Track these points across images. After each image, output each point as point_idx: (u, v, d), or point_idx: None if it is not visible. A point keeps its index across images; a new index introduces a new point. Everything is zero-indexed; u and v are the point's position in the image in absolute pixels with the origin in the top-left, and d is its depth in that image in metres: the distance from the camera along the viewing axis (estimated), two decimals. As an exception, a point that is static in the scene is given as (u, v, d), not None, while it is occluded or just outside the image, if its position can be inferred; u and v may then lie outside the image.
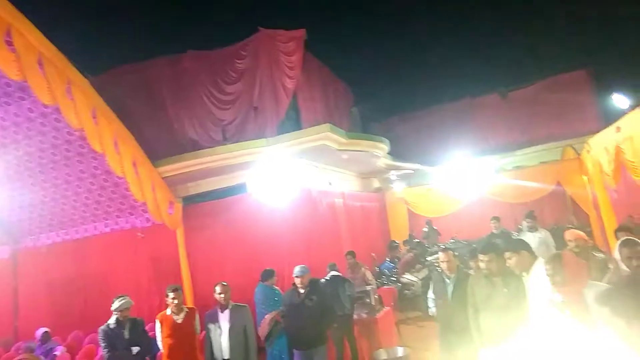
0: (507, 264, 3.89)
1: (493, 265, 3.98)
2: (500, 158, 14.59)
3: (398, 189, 13.35)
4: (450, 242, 11.04)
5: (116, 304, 5.33)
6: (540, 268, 3.78)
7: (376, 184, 14.04)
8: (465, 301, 4.63)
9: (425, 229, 12.24)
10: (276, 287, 6.79)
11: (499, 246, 4.25)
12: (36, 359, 6.55)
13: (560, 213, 11.87)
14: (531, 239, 6.82)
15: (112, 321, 5.33)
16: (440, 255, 5.03)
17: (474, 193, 11.46)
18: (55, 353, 7.23)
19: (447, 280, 4.88)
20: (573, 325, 2.82)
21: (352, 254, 7.90)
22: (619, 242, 3.89)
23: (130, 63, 11.17)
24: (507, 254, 3.86)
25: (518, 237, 6.19)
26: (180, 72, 10.96)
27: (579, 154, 10.54)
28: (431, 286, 5.23)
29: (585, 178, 10.33)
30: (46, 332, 7.37)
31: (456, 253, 5.57)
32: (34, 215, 9.43)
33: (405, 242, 11.50)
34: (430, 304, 5.17)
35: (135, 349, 5.18)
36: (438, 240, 11.84)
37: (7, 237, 10.08)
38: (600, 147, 8.26)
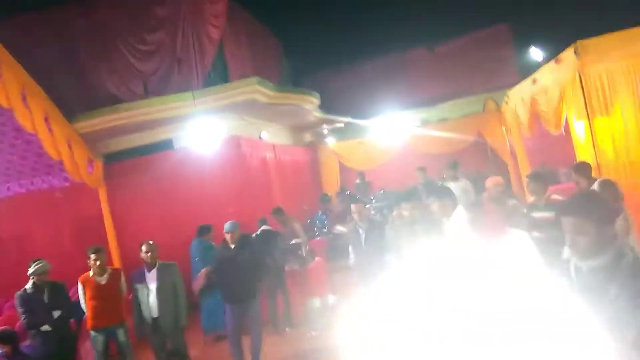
0: (430, 210, 4.04)
1: (416, 213, 4.13)
2: (426, 111, 14.99)
3: (329, 142, 13.44)
4: (380, 193, 11.37)
5: (32, 269, 5.10)
6: (460, 214, 3.98)
7: (308, 137, 14.04)
8: (378, 248, 4.85)
9: (358, 182, 12.45)
10: (212, 243, 6.76)
11: (420, 194, 4.41)
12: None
13: (481, 163, 12.49)
14: (453, 187, 7.15)
15: (29, 286, 5.12)
16: (352, 207, 5.19)
17: (402, 145, 11.78)
18: (-30, 322, 6.82)
19: (360, 230, 5.06)
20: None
21: (279, 211, 7.81)
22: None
23: (39, 10, 10.17)
24: (430, 199, 4.01)
25: (442, 185, 6.47)
26: (95, 21, 10.15)
27: (499, 106, 11.04)
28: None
29: (504, 129, 10.89)
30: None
31: (369, 205, 5.76)
32: None
33: (337, 195, 11.69)
34: (350, 254, 5.34)
35: (56, 313, 5.01)
36: (370, 191, 12.09)
37: None
38: (517, 98, 8.70)
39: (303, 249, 7.28)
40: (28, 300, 5.03)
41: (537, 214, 4.46)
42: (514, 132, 9.79)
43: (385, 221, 5.24)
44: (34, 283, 5.10)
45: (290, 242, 7.43)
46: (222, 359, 5.77)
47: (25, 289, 5.12)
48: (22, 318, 5.06)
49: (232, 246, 5.46)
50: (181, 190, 8.45)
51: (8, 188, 9.05)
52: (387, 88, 15.67)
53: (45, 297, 5.07)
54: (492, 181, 5.16)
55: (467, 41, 16.28)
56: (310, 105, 11.10)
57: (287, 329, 6.68)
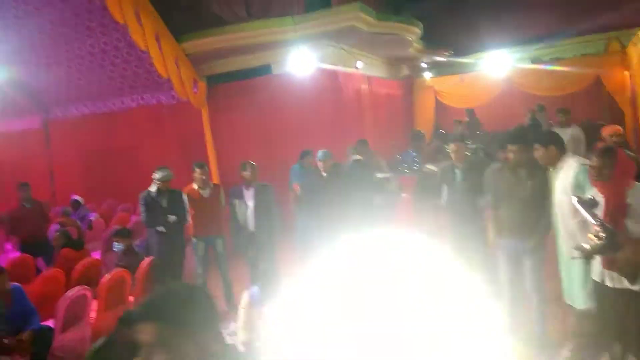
0: (536, 156, 3.81)
1: (521, 156, 3.92)
2: (537, 48, 13.73)
3: (427, 77, 12.90)
4: (479, 134, 10.89)
5: (158, 174, 5.53)
6: (570, 163, 3.72)
7: (405, 71, 13.53)
8: (474, 190, 4.69)
9: (467, 119, 11.69)
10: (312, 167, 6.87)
11: (527, 137, 4.16)
12: (73, 221, 7.04)
13: (594, 110, 11.44)
14: (562, 134, 6.67)
15: (152, 189, 5.57)
16: (450, 145, 4.99)
17: (506, 85, 11.02)
18: (90, 218, 7.72)
19: (457, 170, 4.90)
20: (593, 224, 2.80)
21: (363, 143, 7.68)
22: None
23: None
24: (535, 146, 3.77)
25: (549, 131, 6.02)
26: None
27: (624, 47, 9.87)
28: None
29: (627, 74, 9.79)
30: (76, 200, 7.75)
31: (470, 144, 5.49)
32: (62, 86, 9.50)
33: (433, 133, 11.35)
34: (443, 193, 5.22)
35: (172, 218, 5.47)
36: (481, 129, 11.18)
37: (37, 106, 10.29)
38: (650, 39, 7.70)
39: (392, 184, 7.25)
40: (149, 201, 5.51)
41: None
42: (639, 77, 8.78)
43: (484, 163, 5.01)
44: (157, 188, 5.53)
45: (379, 176, 7.43)
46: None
47: (149, 191, 5.57)
48: (143, 216, 5.59)
49: (324, 174, 5.58)
50: (277, 115, 8.65)
51: (122, 101, 9.81)
52: (495, 21, 14.40)
53: (164, 202, 5.53)
54: (609, 130, 4.70)
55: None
56: (412, 36, 10.59)
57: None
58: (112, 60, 8.57)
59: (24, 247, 6.50)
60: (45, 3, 7.43)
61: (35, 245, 6.48)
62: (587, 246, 2.20)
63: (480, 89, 11.51)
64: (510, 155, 3.97)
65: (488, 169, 4.54)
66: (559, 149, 3.79)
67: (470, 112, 11.52)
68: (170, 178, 5.57)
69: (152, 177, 5.55)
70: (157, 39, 7.58)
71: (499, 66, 11.08)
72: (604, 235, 2.04)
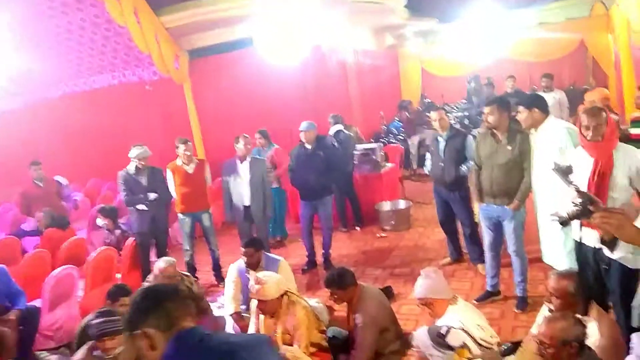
0: (518, 118, 3.82)
1: (495, 119, 3.93)
2: (522, 13, 13.60)
3: (413, 46, 12.76)
4: (462, 103, 10.89)
5: (135, 152, 5.46)
6: (554, 125, 3.74)
7: (390, 40, 13.38)
8: (456, 158, 4.75)
9: (472, 84, 11.31)
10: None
11: (505, 100, 4.17)
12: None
13: (578, 74, 11.44)
14: (545, 98, 6.69)
15: (130, 167, 5.51)
16: (432, 114, 5.00)
17: (493, 52, 10.94)
18: (76, 198, 7.67)
19: (440, 138, 4.92)
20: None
21: (337, 117, 7.58)
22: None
23: None
24: (519, 108, 3.78)
25: (533, 94, 6.02)
26: None
27: (607, 10, 9.82)
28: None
29: (610, 37, 9.77)
30: (57, 181, 7.61)
31: (457, 111, 5.50)
32: (41, 65, 9.29)
33: (419, 102, 11.30)
34: (427, 161, 5.26)
35: (152, 195, 5.44)
36: (492, 94, 9.71)
37: (18, 87, 10.07)
38: (630, 0, 7.66)
39: (377, 153, 7.27)
40: (129, 180, 5.46)
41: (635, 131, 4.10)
42: (622, 40, 8.75)
43: (467, 131, 5.04)
44: (135, 166, 5.47)
45: (365, 147, 7.45)
46: (299, 250, 6.13)
47: (127, 170, 5.51)
48: (123, 196, 5.54)
49: (308, 146, 5.57)
50: (260, 88, 8.56)
51: (103, 79, 9.63)
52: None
53: (144, 180, 5.49)
54: (597, 93, 4.69)
55: None
56: (397, 4, 10.46)
57: (356, 228, 6.94)
58: (91, 36, 8.36)
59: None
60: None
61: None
62: (563, 213, 2.22)
63: (466, 57, 11.41)
64: (488, 119, 3.98)
65: (469, 135, 4.56)
66: (542, 111, 3.81)
67: (476, 77, 11.00)
68: (148, 155, 5.52)
69: (129, 155, 5.49)
70: (136, 13, 7.42)
71: (483, 33, 10.98)
72: (580, 200, 2.06)
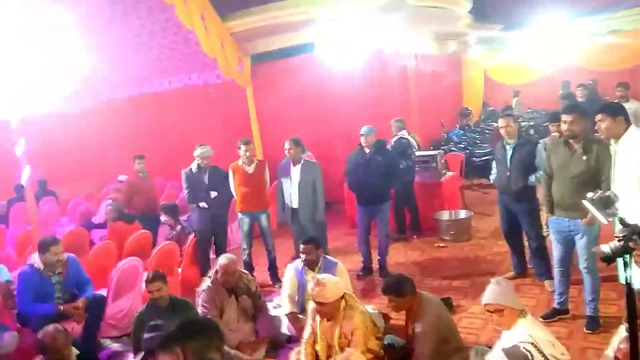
0: (599, 128, 3.59)
1: (575, 127, 3.71)
2: (594, 21, 12.95)
3: (476, 53, 12.45)
4: (528, 112, 10.48)
5: (198, 151, 5.65)
6: (637, 136, 3.49)
7: (453, 47, 13.11)
8: (525, 167, 4.54)
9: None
10: None
11: (585, 108, 3.94)
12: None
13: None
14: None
15: (193, 166, 5.70)
16: (500, 121, 4.83)
17: (561, 60, 10.48)
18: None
19: (507, 147, 4.73)
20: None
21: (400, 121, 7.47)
22: None
23: None
24: (598, 117, 3.54)
25: (614, 102, 5.69)
26: None
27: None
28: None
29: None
30: (120, 181, 7.89)
31: (521, 121, 5.29)
32: (111, 68, 9.77)
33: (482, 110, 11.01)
34: (492, 170, 5.07)
35: (213, 194, 5.57)
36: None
37: (88, 89, 10.63)
38: None
39: (438, 161, 7.11)
40: (191, 178, 5.64)
41: None
42: None
43: (534, 139, 4.82)
44: (198, 164, 5.65)
45: (426, 154, 7.30)
46: (356, 254, 6.04)
47: (190, 168, 5.70)
48: (185, 193, 5.74)
49: (367, 150, 5.51)
50: (321, 93, 8.61)
51: (169, 82, 10.03)
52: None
53: (206, 179, 5.64)
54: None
55: None
56: (461, 9, 10.23)
57: (414, 237, 6.79)
58: (160, 41, 8.72)
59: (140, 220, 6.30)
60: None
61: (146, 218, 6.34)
62: (606, 248, 1.94)
63: (531, 65, 11.01)
64: (564, 127, 3.77)
65: (540, 143, 4.35)
66: (627, 121, 3.58)
67: (567, 84, 10.38)
68: (210, 154, 5.67)
69: (193, 154, 5.66)
70: (203, 19, 7.66)
71: (551, 41, 10.53)
72: (623, 235, 1.78)
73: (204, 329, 2.03)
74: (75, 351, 3.09)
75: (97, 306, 4.18)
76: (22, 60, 5.43)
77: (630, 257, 1.81)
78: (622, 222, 1.86)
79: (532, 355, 2.63)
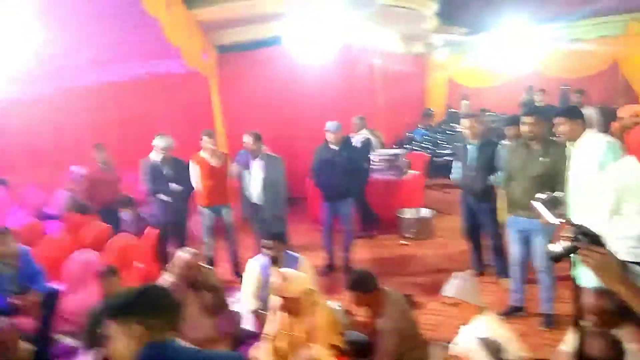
0: (558, 130, 3.70)
1: (536, 129, 3.82)
2: (557, 28, 13.39)
3: (441, 55, 12.65)
4: (485, 114, 10.74)
5: (157, 141, 5.46)
6: (594, 139, 3.61)
7: (419, 48, 13.28)
8: (487, 168, 4.65)
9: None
10: None
11: (546, 111, 4.07)
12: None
13: (608, 93, 11.22)
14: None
15: (152, 156, 5.50)
16: (463, 121, 4.91)
17: (524, 65, 10.78)
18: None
19: (469, 147, 4.82)
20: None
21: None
22: None
23: None
24: (558, 119, 3.65)
25: (572, 105, 5.89)
26: None
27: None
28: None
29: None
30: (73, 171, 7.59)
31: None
32: (72, 50, 9.37)
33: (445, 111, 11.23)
34: (453, 170, 5.16)
35: (177, 187, 5.42)
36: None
37: (45, 74, 10.17)
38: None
39: (400, 160, 7.19)
40: (153, 170, 5.46)
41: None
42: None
43: (497, 140, 4.95)
44: (161, 156, 5.48)
45: (390, 152, 7.38)
46: (319, 251, 6.02)
47: (150, 158, 5.51)
48: (146, 185, 5.54)
49: (333, 147, 5.50)
50: (287, 86, 8.54)
51: (130, 68, 9.69)
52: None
53: (167, 170, 5.48)
54: (628, 110, 4.59)
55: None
56: (428, 11, 10.36)
57: (375, 233, 6.85)
58: (121, 25, 8.41)
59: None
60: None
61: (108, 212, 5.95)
62: (557, 248, 1.98)
63: (494, 69, 11.29)
64: (525, 129, 3.88)
65: (500, 144, 4.47)
66: (583, 125, 3.70)
67: (530, 89, 10.64)
68: (170, 144, 5.50)
69: (153, 144, 5.46)
70: (168, 4, 7.43)
71: (514, 46, 10.83)
72: (571, 235, 1.82)
73: (167, 305, 1.73)
74: (29, 347, 2.94)
75: (51, 300, 4.00)
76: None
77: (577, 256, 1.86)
78: (568, 221, 1.91)
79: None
